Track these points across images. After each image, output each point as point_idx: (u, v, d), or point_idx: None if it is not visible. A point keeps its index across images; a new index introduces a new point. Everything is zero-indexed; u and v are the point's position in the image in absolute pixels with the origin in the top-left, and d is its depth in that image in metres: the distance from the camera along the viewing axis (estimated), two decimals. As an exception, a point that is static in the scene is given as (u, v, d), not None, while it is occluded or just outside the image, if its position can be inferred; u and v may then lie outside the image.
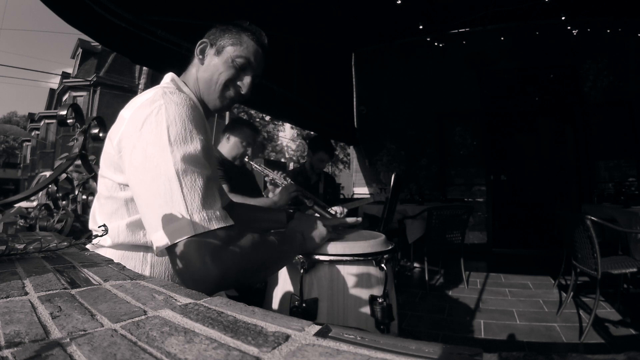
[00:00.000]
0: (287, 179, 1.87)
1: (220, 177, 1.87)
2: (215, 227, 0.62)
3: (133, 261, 0.75)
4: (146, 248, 0.75)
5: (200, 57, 0.87)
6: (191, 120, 0.69)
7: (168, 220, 0.61)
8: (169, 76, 0.89)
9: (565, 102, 4.70)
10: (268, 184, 1.94)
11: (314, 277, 0.87)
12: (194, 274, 0.60)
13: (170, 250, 0.62)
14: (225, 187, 1.84)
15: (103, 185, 0.78)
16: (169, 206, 0.61)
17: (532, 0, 3.99)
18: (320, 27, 4.14)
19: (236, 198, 1.73)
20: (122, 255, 0.74)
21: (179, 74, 0.91)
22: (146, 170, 0.64)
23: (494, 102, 5.03)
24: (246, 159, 2.05)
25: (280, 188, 1.84)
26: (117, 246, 0.75)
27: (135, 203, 0.69)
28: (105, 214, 0.77)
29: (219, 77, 0.85)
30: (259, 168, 1.91)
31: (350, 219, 1.05)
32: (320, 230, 0.90)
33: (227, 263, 0.61)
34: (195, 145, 0.67)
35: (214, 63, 0.86)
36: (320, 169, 2.78)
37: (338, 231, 1.01)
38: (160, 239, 0.62)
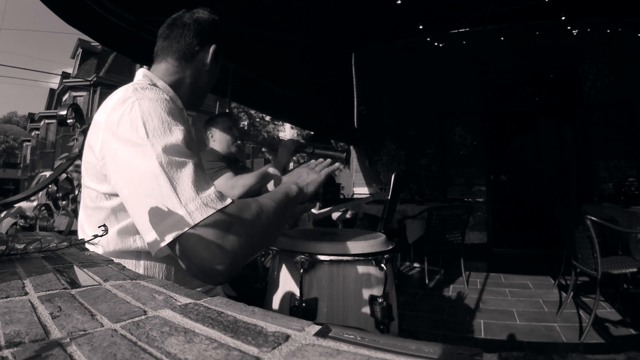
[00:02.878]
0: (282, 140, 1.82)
1: (223, 167, 1.86)
2: (214, 211, 0.58)
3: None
4: (138, 254, 0.73)
5: (194, 59, 0.85)
6: (168, 113, 0.66)
7: (162, 217, 0.57)
8: (140, 72, 0.85)
9: (565, 102, 4.70)
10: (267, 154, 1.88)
11: (314, 276, 0.87)
12: (202, 264, 0.56)
13: (172, 247, 0.59)
14: (229, 174, 1.83)
15: (87, 196, 0.75)
16: (160, 203, 0.57)
17: (532, 0, 3.98)
18: (320, 27, 4.14)
19: (232, 180, 1.70)
20: None
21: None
22: (130, 172, 0.61)
23: (494, 102, 5.03)
24: (240, 142, 2.01)
25: (280, 147, 1.80)
26: (108, 254, 0.73)
27: (126, 209, 0.66)
28: (93, 225, 0.73)
29: (214, 80, 0.87)
30: (254, 144, 1.87)
31: (332, 166, 0.97)
32: (312, 175, 0.87)
33: (234, 243, 0.58)
34: (176, 136, 0.64)
35: (213, 68, 0.86)
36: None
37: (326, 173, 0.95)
38: (157, 239, 0.58)
